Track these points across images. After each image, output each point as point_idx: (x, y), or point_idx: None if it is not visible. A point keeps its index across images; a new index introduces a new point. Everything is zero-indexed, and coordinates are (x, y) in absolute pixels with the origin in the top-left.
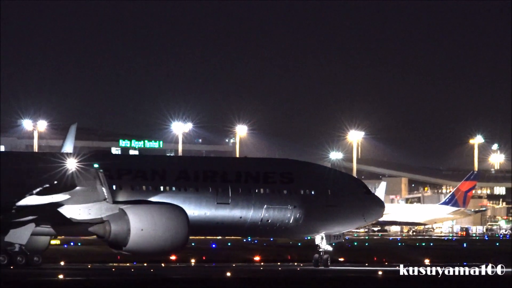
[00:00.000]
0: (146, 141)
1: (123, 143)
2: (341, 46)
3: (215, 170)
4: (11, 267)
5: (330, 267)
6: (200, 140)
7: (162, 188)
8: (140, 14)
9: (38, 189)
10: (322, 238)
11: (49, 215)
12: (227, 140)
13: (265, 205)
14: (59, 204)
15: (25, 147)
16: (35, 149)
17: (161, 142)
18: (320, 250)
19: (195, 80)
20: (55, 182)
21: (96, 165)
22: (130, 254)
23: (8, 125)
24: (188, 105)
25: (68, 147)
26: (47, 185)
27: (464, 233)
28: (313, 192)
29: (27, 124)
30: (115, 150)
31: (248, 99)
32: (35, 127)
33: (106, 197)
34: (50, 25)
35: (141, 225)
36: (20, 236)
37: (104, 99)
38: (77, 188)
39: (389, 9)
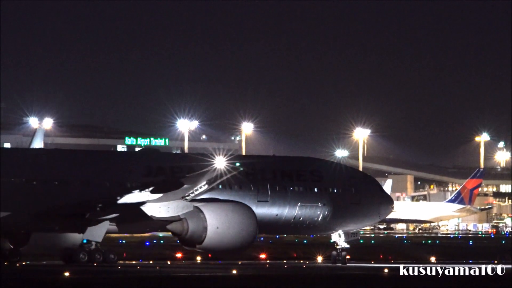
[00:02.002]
0: (152, 138)
1: (129, 140)
2: (347, 44)
3: (255, 168)
4: (93, 265)
5: (347, 265)
6: (206, 137)
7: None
8: (146, 12)
9: (151, 188)
10: (339, 236)
11: (131, 212)
12: (232, 138)
13: (299, 203)
14: (143, 202)
15: None
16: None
17: (166, 140)
18: (338, 247)
19: (201, 78)
20: (164, 180)
21: (238, 164)
22: (203, 252)
23: (14, 123)
24: (193, 102)
25: (37, 144)
26: (158, 184)
27: (495, 230)
28: (340, 190)
29: (33, 121)
30: (120, 148)
31: (254, 96)
32: (40, 124)
33: (190, 195)
34: (56, 22)
35: (217, 223)
36: (96, 233)
37: (109, 97)
38: (185, 186)
39: (395, 7)
